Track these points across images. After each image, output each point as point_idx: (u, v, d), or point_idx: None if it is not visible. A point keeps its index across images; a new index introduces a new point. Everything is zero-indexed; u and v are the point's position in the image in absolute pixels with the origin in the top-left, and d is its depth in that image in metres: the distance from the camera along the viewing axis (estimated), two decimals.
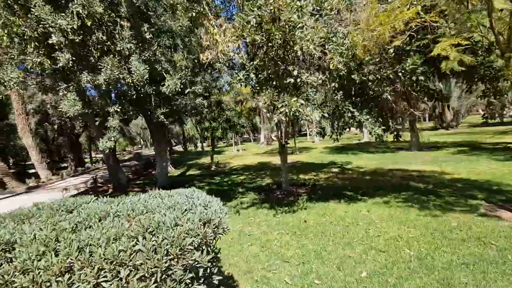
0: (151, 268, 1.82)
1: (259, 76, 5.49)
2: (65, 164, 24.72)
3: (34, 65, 4.28)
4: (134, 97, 6.16)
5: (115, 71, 4.52)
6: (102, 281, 1.76)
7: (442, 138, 21.38)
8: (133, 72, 4.73)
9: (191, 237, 2.03)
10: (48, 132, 23.92)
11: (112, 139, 5.53)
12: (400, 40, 4.51)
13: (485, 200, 6.33)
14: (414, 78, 5.09)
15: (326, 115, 5.10)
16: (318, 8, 4.98)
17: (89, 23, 4.11)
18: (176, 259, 1.94)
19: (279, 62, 5.33)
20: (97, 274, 1.75)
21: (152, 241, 1.91)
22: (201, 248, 2.12)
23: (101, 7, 4.23)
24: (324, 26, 4.96)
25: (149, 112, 9.74)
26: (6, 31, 4.20)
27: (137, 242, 1.90)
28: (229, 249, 5.03)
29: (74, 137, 22.84)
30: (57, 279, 1.69)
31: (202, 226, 2.21)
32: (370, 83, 5.35)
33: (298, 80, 4.90)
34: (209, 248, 2.22)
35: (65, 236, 1.97)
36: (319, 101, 6.53)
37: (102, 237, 1.92)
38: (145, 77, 4.72)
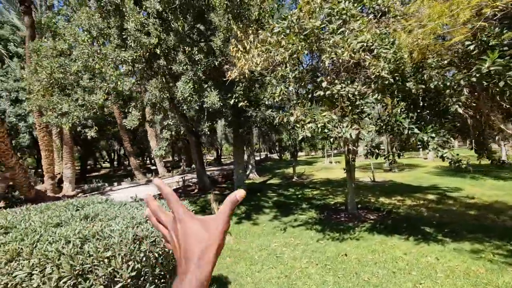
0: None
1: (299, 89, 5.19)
2: (180, 164, 30.02)
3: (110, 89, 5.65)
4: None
5: (156, 92, 5.28)
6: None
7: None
8: (178, 92, 5.40)
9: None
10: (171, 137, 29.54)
11: (164, 148, 6.43)
12: (462, 34, 3.28)
13: None
14: (501, 84, 3.58)
15: (366, 132, 4.23)
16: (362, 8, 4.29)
17: (147, 54, 5.04)
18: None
19: (317, 73, 4.89)
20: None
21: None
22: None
23: (155, 39, 5.09)
24: (365, 28, 4.22)
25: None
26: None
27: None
28: (249, 267, 4.91)
29: (187, 141, 27.48)
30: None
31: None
32: (431, 93, 4.11)
33: (328, 92, 4.32)
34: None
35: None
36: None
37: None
38: (186, 95, 5.29)
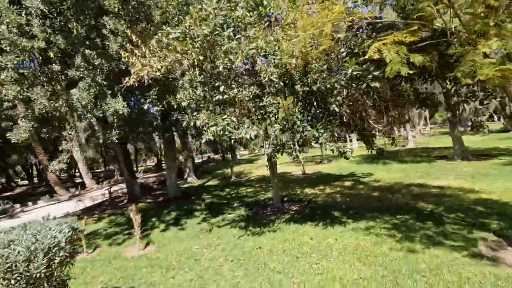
0: None
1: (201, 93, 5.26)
2: (114, 173, 27.68)
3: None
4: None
5: (44, 101, 4.84)
6: None
7: (507, 143, 17.69)
8: (74, 99, 5.01)
9: None
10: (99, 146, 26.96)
11: (64, 161, 5.94)
12: (327, 43, 3.79)
13: (495, 233, 4.91)
14: (364, 85, 4.24)
15: (255, 132, 4.54)
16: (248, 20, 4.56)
17: (39, 58, 4.55)
18: None
19: (215, 78, 5.03)
20: None
21: None
22: None
23: (42, 42, 4.63)
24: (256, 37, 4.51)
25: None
26: None
27: None
28: (165, 275, 4.84)
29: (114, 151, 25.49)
30: None
31: None
32: (318, 94, 4.65)
33: (226, 96, 4.52)
34: None
35: None
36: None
37: None
38: (83, 103, 4.96)
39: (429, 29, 3.90)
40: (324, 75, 4.53)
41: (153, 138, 24.42)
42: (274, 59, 4.43)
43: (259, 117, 5.34)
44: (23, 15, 4.65)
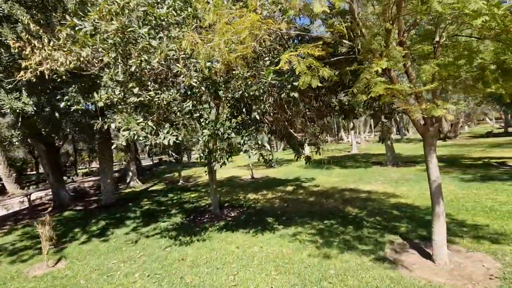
0: None
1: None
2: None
3: None
4: None
5: None
6: None
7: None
8: None
9: None
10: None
11: None
12: (243, 51, 3.75)
13: (401, 236, 5.35)
14: (283, 95, 4.30)
15: (175, 138, 4.32)
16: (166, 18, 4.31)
17: None
18: None
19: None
20: None
21: None
22: None
23: None
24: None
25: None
26: None
27: None
28: None
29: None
30: None
31: None
32: (242, 101, 4.60)
33: (141, 98, 4.21)
34: None
35: None
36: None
37: None
38: None
39: (345, 45, 4.11)
40: (248, 82, 4.49)
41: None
42: (193, 63, 4.26)
43: (184, 122, 5.12)
44: None
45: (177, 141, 4.42)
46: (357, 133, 39.49)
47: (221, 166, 5.36)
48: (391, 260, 4.44)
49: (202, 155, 5.36)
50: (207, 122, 5.08)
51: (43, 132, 8.52)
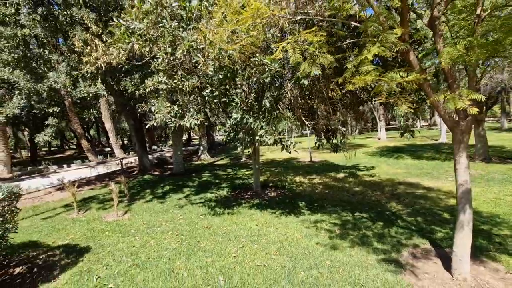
0: None
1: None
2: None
3: None
4: None
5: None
6: None
7: None
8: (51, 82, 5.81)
9: None
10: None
11: (50, 134, 6.86)
12: (248, 40, 3.83)
13: (431, 242, 4.73)
14: (291, 82, 4.25)
15: (198, 121, 4.83)
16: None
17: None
18: None
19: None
20: None
21: None
22: None
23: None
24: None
25: None
26: None
27: None
28: (119, 239, 5.60)
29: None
30: None
31: None
32: (239, 89, 4.75)
33: (167, 86, 4.86)
34: None
35: None
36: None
37: None
38: (61, 85, 5.69)
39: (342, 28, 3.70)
40: (261, 70, 4.59)
41: None
42: (212, 52, 4.60)
43: (209, 106, 5.63)
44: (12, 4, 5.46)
45: (199, 124, 4.97)
46: None
47: (244, 149, 5.72)
48: (402, 264, 4.07)
49: (227, 137, 5.83)
50: (236, 107, 5.45)
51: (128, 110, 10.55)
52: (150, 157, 18.47)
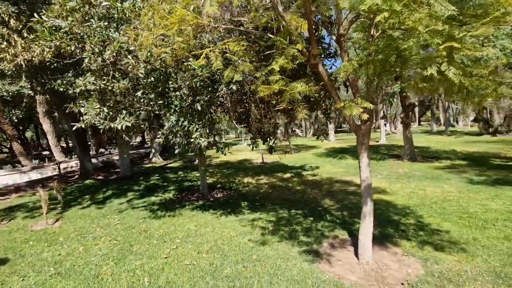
0: None
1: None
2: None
3: None
4: None
5: None
6: None
7: (464, 146, 17.98)
8: None
9: None
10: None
11: None
12: (179, 44, 3.96)
13: (349, 232, 5.31)
14: (221, 87, 4.46)
15: (129, 124, 4.80)
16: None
17: None
18: None
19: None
20: None
21: None
22: None
23: None
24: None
25: None
26: None
27: None
28: (44, 248, 5.24)
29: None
30: None
31: None
32: (173, 92, 4.87)
33: (96, 87, 4.73)
34: None
35: None
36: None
37: None
38: None
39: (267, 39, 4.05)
40: (193, 74, 4.72)
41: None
42: (142, 55, 4.61)
43: (149, 109, 5.58)
44: None
45: (130, 126, 4.91)
46: (393, 122, 36.76)
47: (181, 151, 5.78)
48: (321, 253, 4.51)
49: (164, 140, 5.83)
50: (175, 109, 5.46)
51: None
52: (95, 160, 17.35)
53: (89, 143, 27.51)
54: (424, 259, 4.15)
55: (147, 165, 17.42)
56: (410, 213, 6.21)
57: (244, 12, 4.85)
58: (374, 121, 42.74)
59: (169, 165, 17.31)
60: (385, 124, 33.55)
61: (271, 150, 6.16)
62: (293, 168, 13.50)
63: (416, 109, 47.92)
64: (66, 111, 5.18)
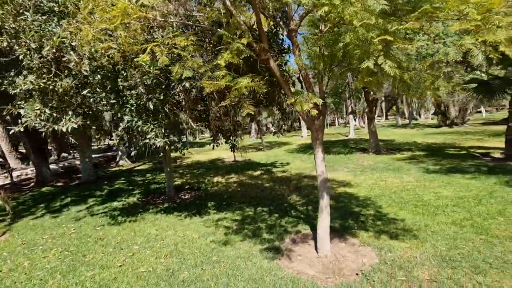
0: None
1: None
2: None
3: None
4: None
5: None
6: None
7: (425, 138, 19.13)
8: None
9: None
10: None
11: None
12: (125, 40, 3.72)
13: (312, 227, 5.37)
14: (174, 85, 4.28)
15: (75, 124, 4.46)
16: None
17: None
18: None
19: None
20: None
21: None
22: None
23: None
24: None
25: None
26: None
27: None
28: None
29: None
30: None
31: None
32: (129, 91, 4.63)
33: (35, 86, 4.34)
34: None
35: None
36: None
37: None
38: None
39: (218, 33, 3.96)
40: (144, 71, 4.49)
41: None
42: (85, 50, 4.29)
43: (100, 108, 5.24)
44: None
45: (77, 128, 4.57)
46: (362, 117, 38.23)
47: (137, 152, 5.51)
48: (282, 250, 4.51)
49: (120, 142, 5.51)
50: (130, 108, 5.16)
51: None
52: (55, 166, 16.20)
53: (50, 148, 25.71)
54: (379, 248, 4.29)
55: (114, 169, 16.60)
56: (371, 204, 6.43)
57: (200, 7, 4.69)
58: (345, 116, 43.98)
59: (137, 168, 16.62)
60: (354, 119, 34.90)
61: (233, 148, 6.07)
62: (264, 165, 13.53)
63: (383, 104, 50.46)
64: (3, 113, 4.70)
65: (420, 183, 7.90)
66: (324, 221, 4.19)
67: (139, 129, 4.89)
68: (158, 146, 4.87)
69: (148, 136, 4.85)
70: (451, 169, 9.30)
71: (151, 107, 4.52)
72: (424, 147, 15.16)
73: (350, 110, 25.47)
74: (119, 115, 5.15)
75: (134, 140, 5.26)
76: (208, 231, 5.50)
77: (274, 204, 7.08)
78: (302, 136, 30.30)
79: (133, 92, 5.19)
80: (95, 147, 35.34)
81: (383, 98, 40.88)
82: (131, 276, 3.95)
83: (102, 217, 7.10)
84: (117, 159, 17.96)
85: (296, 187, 8.72)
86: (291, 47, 4.02)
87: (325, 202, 4.18)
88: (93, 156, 23.22)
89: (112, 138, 5.31)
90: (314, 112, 3.39)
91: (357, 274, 3.74)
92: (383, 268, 3.72)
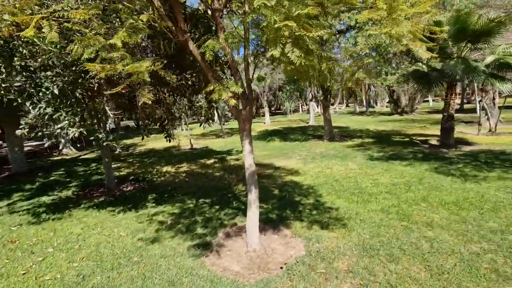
0: None
1: None
2: None
3: None
4: None
5: None
6: None
7: (377, 125, 20.20)
8: None
9: None
10: None
11: None
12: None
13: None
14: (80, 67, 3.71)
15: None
16: None
17: None
18: None
19: None
20: None
21: None
22: None
23: None
24: None
25: None
26: None
27: None
28: None
29: None
30: None
31: None
32: (43, 72, 3.98)
33: None
34: None
35: None
36: None
37: None
38: None
39: None
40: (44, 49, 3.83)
41: None
42: None
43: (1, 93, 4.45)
44: None
45: None
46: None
47: (55, 141, 4.83)
48: (213, 245, 4.32)
49: (27, 132, 4.79)
50: (45, 93, 4.42)
51: None
52: None
53: None
54: (308, 239, 4.30)
55: (56, 158, 15.08)
56: (312, 193, 6.50)
57: None
58: (300, 103, 44.58)
59: (83, 157, 15.29)
60: (317, 106, 35.69)
61: (167, 138, 5.65)
62: (220, 153, 13.22)
63: (344, 92, 52.36)
64: None
65: (362, 170, 8.21)
66: (252, 215, 4.05)
67: (48, 116, 4.25)
68: (72, 136, 4.28)
69: (59, 125, 4.25)
70: (392, 156, 9.83)
71: (56, 91, 3.90)
72: (374, 134, 15.95)
73: (310, 97, 25.87)
74: (26, 100, 4.42)
75: (48, 129, 4.59)
76: (139, 228, 5.12)
77: (218, 194, 6.87)
78: (265, 123, 30.35)
79: (48, 73, 4.47)
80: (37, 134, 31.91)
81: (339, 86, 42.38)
82: (32, 286, 3.48)
83: (24, 215, 6.31)
84: (60, 147, 16.33)
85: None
86: (215, 29, 3.67)
87: (253, 196, 4.03)
88: (33, 143, 20.98)
89: (20, 127, 4.58)
90: (233, 102, 3.13)
91: (281, 268, 3.68)
92: (306, 261, 3.71)
